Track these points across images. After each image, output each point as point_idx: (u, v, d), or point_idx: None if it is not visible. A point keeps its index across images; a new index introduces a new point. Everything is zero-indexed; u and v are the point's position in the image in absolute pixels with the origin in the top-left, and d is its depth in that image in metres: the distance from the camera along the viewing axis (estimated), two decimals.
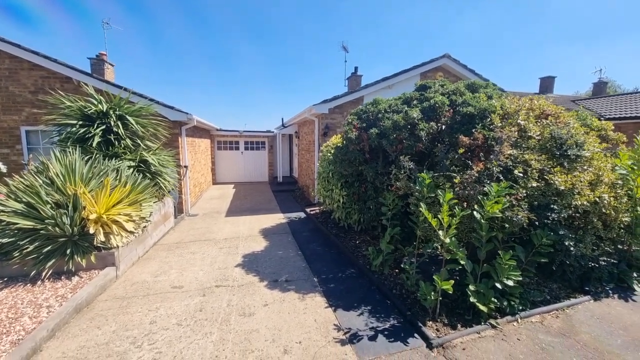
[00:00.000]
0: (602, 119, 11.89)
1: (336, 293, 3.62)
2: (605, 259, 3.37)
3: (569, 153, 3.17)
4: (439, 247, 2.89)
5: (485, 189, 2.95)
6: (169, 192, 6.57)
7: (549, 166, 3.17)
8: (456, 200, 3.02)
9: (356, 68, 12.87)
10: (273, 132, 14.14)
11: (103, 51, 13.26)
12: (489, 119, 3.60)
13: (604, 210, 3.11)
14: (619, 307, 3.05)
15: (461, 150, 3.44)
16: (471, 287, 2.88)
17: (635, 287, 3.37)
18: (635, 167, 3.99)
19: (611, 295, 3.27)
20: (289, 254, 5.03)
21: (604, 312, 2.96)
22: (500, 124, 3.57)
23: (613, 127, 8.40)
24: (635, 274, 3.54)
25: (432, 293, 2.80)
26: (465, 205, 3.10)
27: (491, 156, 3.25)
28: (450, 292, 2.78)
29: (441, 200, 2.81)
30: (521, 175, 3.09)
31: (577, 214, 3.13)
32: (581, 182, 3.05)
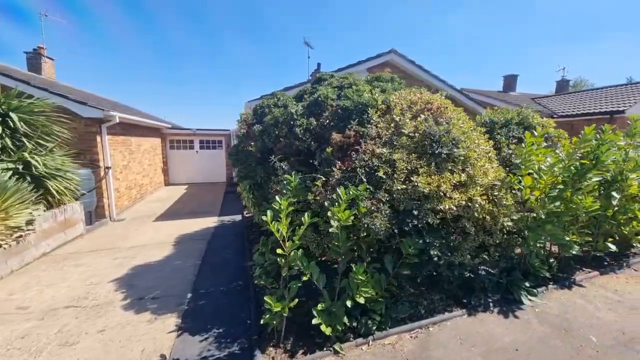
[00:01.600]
0: (555, 116, 11.92)
1: (200, 312, 3.19)
2: (486, 267, 3.08)
3: (438, 152, 2.84)
4: (283, 260, 2.50)
5: (334, 194, 2.58)
6: (76, 197, 5.97)
7: (419, 166, 2.84)
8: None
9: (319, 64, 12.48)
10: (229, 130, 13.57)
11: (41, 44, 12.40)
12: (367, 115, 3.25)
13: (476, 215, 2.80)
14: (492, 325, 2.74)
15: (329, 150, 3.07)
16: (319, 307, 2.51)
17: (524, 299, 3.09)
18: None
19: (491, 309, 2.97)
20: (186, 264, 4.57)
21: (472, 331, 2.64)
22: (377, 120, 3.22)
23: (554, 125, 8.31)
24: (527, 284, 3.27)
25: (269, 314, 2.41)
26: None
27: (355, 156, 2.89)
28: (298, 313, 2.40)
29: (278, 207, 2.42)
30: (383, 176, 2.74)
31: (447, 219, 2.81)
32: (450, 183, 2.73)
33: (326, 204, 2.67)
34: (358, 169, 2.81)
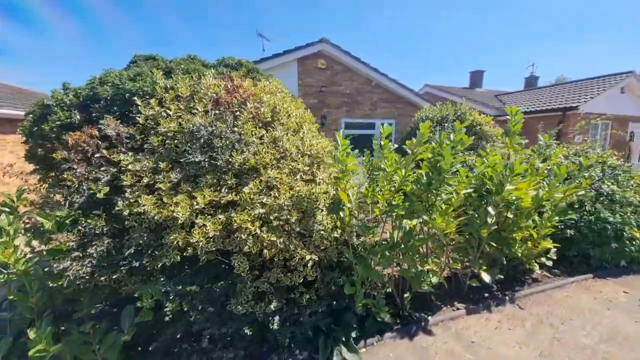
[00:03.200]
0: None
1: None
2: (296, 313, 2.27)
3: (198, 159, 2.00)
4: None
5: None
6: None
7: (158, 181, 1.98)
8: None
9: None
10: None
11: None
12: (136, 106, 2.37)
13: (248, 249, 1.97)
14: None
15: (57, 155, 2.19)
16: None
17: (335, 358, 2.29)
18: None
19: None
20: None
21: None
22: (151, 113, 2.35)
23: (493, 122, 7.54)
24: (355, 334, 2.47)
25: None
26: None
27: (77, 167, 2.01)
28: None
29: None
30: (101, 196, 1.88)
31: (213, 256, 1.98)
32: (206, 204, 1.89)
33: None
34: (72, 185, 1.94)
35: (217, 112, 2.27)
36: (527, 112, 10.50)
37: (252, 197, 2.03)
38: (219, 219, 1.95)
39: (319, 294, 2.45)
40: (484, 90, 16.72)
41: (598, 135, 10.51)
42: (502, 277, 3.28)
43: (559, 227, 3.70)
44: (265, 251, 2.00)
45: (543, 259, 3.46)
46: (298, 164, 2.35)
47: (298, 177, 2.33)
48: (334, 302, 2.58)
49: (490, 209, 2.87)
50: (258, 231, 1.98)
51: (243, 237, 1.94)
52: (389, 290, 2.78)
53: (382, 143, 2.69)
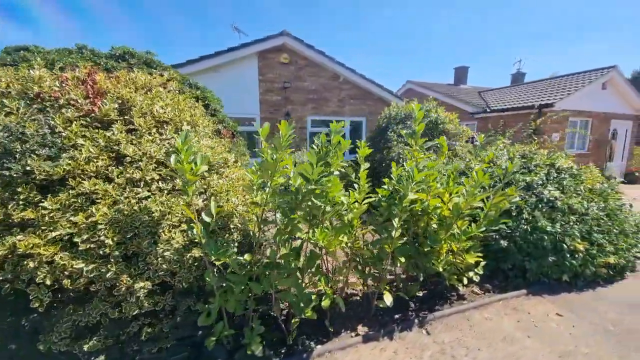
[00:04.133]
0: (488, 110, 10.90)
1: None
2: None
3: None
4: None
5: None
6: None
7: None
8: None
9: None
10: None
11: None
12: None
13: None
14: None
15: None
16: None
17: None
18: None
19: None
20: None
21: None
22: None
23: (459, 121, 7.14)
24: None
25: None
26: None
27: None
28: None
29: None
30: None
31: None
32: None
33: None
34: None
35: (37, 109, 1.88)
36: (504, 110, 10.11)
37: (53, 214, 1.65)
38: (6, 242, 1.57)
39: (177, 324, 2.08)
40: (468, 87, 16.32)
41: (577, 134, 10.16)
42: (421, 294, 2.92)
43: (494, 237, 3.34)
44: (65, 281, 1.62)
45: (471, 274, 3.11)
46: (142, 173, 1.96)
47: (141, 189, 1.95)
48: (199, 333, 2.21)
49: (395, 220, 2.50)
50: (56, 257, 1.60)
51: (32, 265, 1.56)
52: (275, 313, 2.41)
53: (262, 144, 2.27)
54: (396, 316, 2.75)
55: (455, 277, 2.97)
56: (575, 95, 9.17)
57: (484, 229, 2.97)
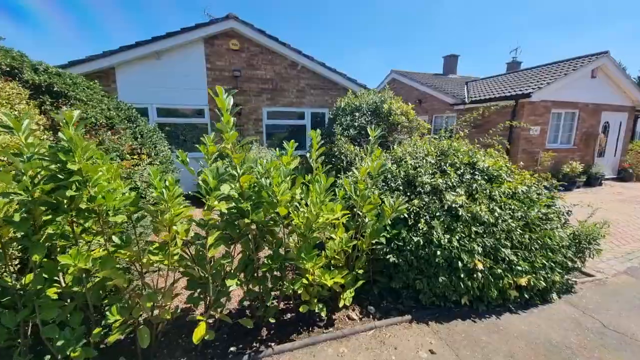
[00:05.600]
0: (467, 101, 10.14)
1: None
2: None
3: None
4: None
5: None
6: None
7: None
8: None
9: None
10: None
11: None
12: None
13: None
14: None
15: None
16: None
17: None
18: None
19: None
20: None
21: None
22: None
23: (414, 114, 6.51)
24: None
25: None
26: None
27: None
28: None
29: None
30: None
31: None
32: None
33: None
34: None
35: None
36: (482, 101, 9.35)
37: None
38: None
39: None
40: (457, 77, 15.42)
41: (561, 127, 9.39)
42: (288, 317, 2.43)
43: (383, 250, 2.80)
44: None
45: (347, 294, 2.60)
46: None
47: None
48: None
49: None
50: None
51: None
52: None
53: None
54: (232, 349, 2.27)
55: (316, 299, 2.46)
56: (557, 84, 8.33)
57: (353, 242, 2.45)
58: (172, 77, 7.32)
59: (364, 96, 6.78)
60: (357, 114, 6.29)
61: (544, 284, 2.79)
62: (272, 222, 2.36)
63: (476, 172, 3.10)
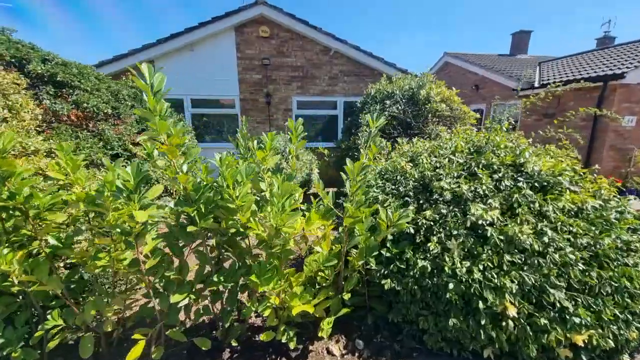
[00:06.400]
0: (539, 84, 8.39)
1: None
2: None
3: None
4: None
5: None
6: None
7: None
8: None
9: None
10: None
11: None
12: None
13: None
14: None
15: None
16: None
17: None
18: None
19: None
20: None
21: None
22: None
23: (459, 100, 5.58)
24: None
25: None
26: None
27: None
28: None
29: None
30: None
31: None
32: None
33: None
34: None
35: None
36: (557, 84, 7.59)
37: None
38: None
39: None
40: (527, 57, 13.06)
41: None
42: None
43: (380, 273, 2.22)
44: None
45: (325, 325, 2.11)
46: None
47: None
48: None
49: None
50: None
51: None
52: None
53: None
54: None
55: (296, 324, 2.02)
56: None
57: (331, 263, 1.96)
58: (205, 68, 7.39)
59: (399, 81, 5.93)
60: (387, 102, 5.53)
61: (613, 344, 1.91)
62: (234, 231, 1.98)
63: (521, 177, 2.27)
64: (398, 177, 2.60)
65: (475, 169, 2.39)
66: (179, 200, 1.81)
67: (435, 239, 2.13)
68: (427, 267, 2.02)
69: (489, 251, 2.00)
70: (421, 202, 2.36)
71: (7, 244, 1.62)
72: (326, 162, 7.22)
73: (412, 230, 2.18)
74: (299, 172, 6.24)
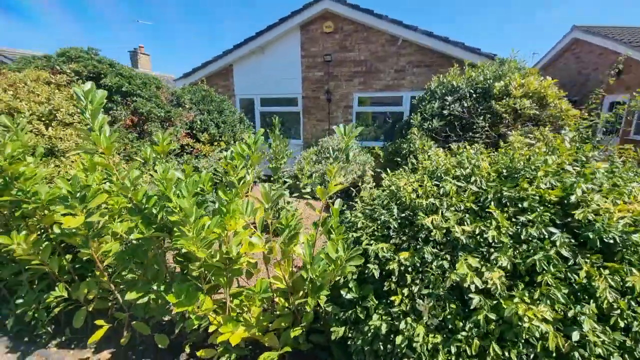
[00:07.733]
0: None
1: None
2: None
3: None
4: None
5: None
6: None
7: None
8: None
9: None
10: None
11: (141, 45, 17.07)
12: None
13: None
14: None
15: None
16: None
17: None
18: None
19: None
20: None
21: None
22: None
23: (555, 95, 4.34)
24: None
25: None
26: None
27: None
28: None
29: None
30: None
31: None
32: None
33: None
34: None
35: None
36: None
37: None
38: None
39: None
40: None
41: None
42: None
43: (337, 317, 1.86)
44: None
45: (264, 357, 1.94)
46: None
47: None
48: None
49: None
50: None
51: None
52: None
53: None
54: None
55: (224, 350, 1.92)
56: None
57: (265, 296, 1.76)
58: (273, 68, 7.81)
59: (470, 72, 4.82)
60: (449, 98, 4.58)
61: None
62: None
63: (564, 226, 1.45)
64: (392, 207, 2.08)
65: (491, 203, 1.68)
66: (130, 209, 1.92)
67: (405, 291, 1.61)
68: (382, 328, 1.55)
69: (473, 330, 1.38)
70: (404, 238, 1.83)
71: (17, 229, 2.07)
72: (380, 165, 6.62)
73: (376, 274, 1.71)
74: (350, 174, 5.98)
